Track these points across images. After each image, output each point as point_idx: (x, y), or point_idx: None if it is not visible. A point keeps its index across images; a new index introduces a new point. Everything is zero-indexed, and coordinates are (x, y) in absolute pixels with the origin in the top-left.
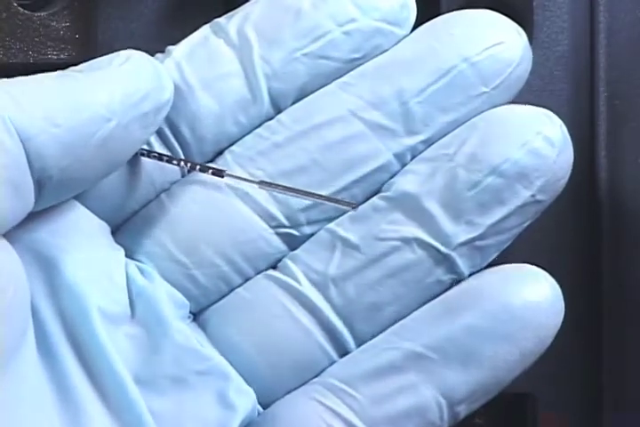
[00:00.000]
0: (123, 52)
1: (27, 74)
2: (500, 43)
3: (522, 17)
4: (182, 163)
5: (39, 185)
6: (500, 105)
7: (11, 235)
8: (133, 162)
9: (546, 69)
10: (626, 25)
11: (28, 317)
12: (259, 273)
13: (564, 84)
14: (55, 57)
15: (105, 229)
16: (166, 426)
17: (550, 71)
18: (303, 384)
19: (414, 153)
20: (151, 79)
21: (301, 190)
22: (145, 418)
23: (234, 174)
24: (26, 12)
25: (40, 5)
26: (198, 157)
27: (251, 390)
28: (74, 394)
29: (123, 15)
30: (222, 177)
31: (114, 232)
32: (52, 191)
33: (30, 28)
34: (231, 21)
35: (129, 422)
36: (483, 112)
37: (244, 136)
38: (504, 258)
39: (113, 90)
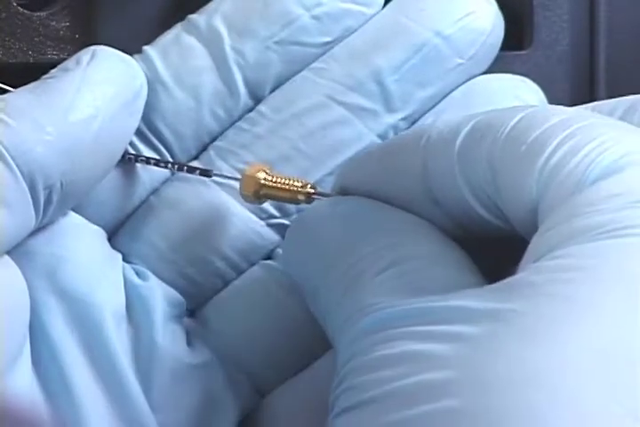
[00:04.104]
0: (85, 50)
1: (27, 74)
2: (471, 13)
3: (522, 17)
4: (170, 165)
5: (47, 195)
6: (477, 75)
7: (10, 249)
8: (124, 167)
9: (546, 69)
10: (626, 25)
11: (26, 331)
12: (254, 265)
13: (564, 84)
14: (55, 57)
15: (101, 235)
16: (167, 416)
17: (550, 71)
18: (301, 370)
19: (396, 131)
20: (120, 69)
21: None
22: (145, 411)
23: (222, 173)
24: (26, 11)
25: (40, 5)
26: (181, 154)
27: (245, 381)
28: (79, 396)
29: (122, 15)
30: (210, 177)
31: (111, 237)
32: (61, 198)
33: (30, 28)
34: (201, 17)
35: (130, 416)
36: (460, 84)
37: (225, 130)
38: None
39: (90, 87)
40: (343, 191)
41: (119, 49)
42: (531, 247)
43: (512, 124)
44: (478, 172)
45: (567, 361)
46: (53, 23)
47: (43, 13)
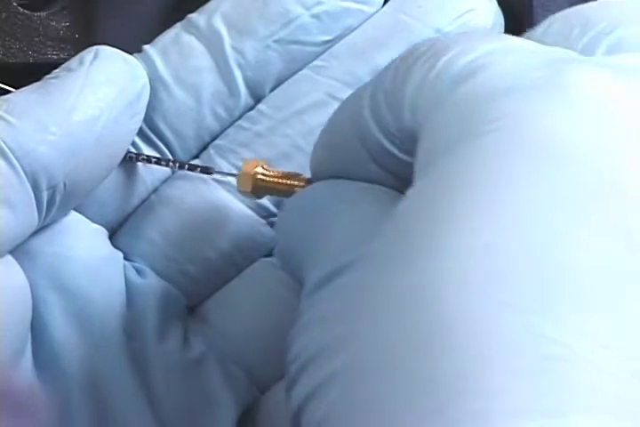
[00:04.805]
0: (88, 50)
1: (27, 74)
2: (470, 10)
3: (522, 17)
4: (171, 163)
5: (50, 195)
6: None
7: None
8: (126, 166)
9: None
10: None
11: (28, 329)
12: (254, 262)
13: None
14: (55, 57)
15: (102, 233)
16: (165, 413)
17: None
18: None
19: None
20: (123, 70)
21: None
22: (143, 406)
23: (222, 171)
24: (26, 11)
25: (40, 5)
26: (183, 153)
27: (244, 377)
28: (74, 395)
29: (122, 15)
30: (211, 174)
31: (112, 235)
32: (63, 198)
33: (30, 28)
34: (201, 16)
35: (129, 412)
36: None
37: (226, 129)
38: None
39: (93, 88)
40: (315, 179)
41: (119, 49)
42: (414, 173)
43: (398, 58)
44: (381, 112)
45: (448, 276)
46: (53, 23)
47: (43, 13)
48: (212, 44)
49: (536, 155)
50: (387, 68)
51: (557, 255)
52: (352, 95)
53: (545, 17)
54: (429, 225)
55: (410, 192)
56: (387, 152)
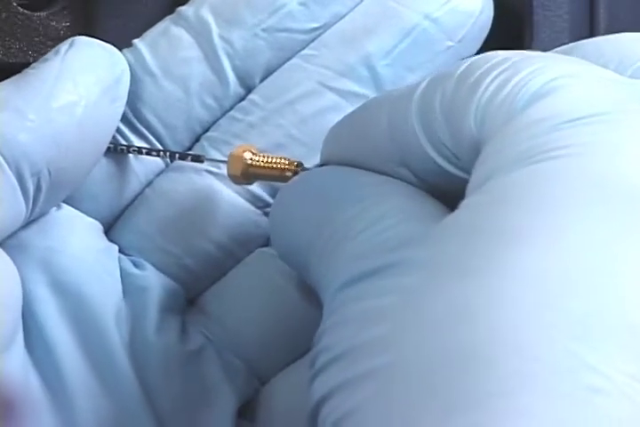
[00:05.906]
0: (65, 42)
1: None
2: None
3: (522, 17)
4: (161, 153)
5: (36, 183)
6: (467, 56)
7: (3, 241)
8: (117, 159)
9: None
10: (626, 25)
11: (19, 320)
12: (251, 253)
13: None
14: None
15: (96, 227)
16: (163, 406)
17: None
18: (301, 356)
19: None
20: (100, 56)
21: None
22: (139, 398)
23: (214, 158)
24: (26, 11)
25: (40, 5)
26: (174, 145)
27: (244, 368)
28: (72, 386)
29: (122, 15)
30: (202, 162)
31: (108, 230)
32: (50, 186)
33: (30, 28)
34: (189, 8)
35: (123, 403)
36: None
37: (217, 119)
38: None
39: (70, 74)
40: (325, 164)
41: (119, 49)
42: (469, 184)
43: (459, 71)
44: (434, 124)
45: (502, 295)
46: (53, 23)
47: (43, 13)
48: (201, 34)
49: (601, 189)
50: (445, 75)
51: (610, 287)
52: (393, 93)
53: (545, 17)
54: (489, 241)
55: (466, 203)
56: (428, 160)
